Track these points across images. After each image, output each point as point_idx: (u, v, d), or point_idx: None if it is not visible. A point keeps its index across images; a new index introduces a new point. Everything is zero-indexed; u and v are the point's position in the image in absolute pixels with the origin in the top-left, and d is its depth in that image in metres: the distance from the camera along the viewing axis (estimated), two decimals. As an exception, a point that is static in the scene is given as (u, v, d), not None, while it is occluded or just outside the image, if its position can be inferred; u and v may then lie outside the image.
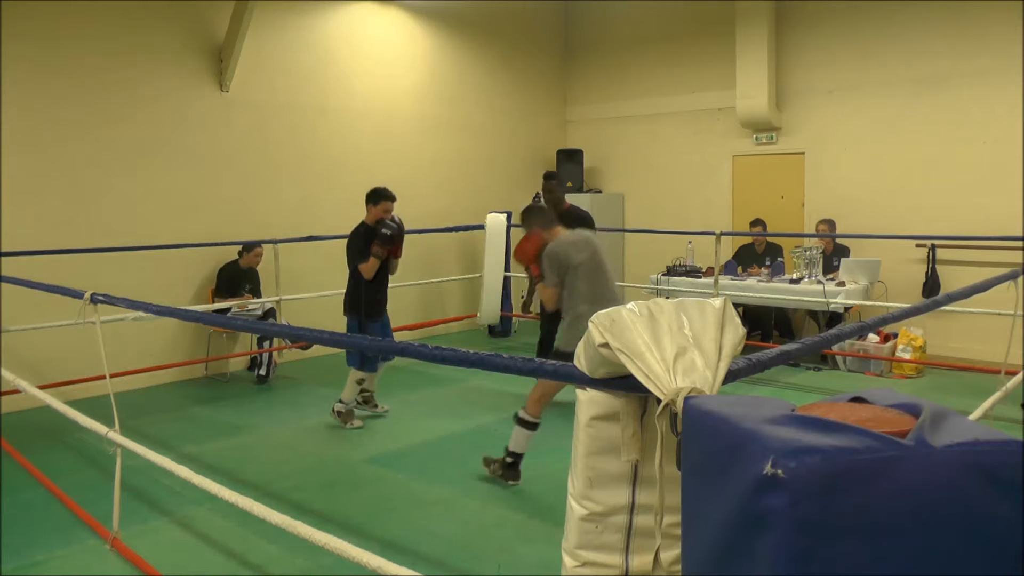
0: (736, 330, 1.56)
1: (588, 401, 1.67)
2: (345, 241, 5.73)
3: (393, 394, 6.62)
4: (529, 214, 4.74)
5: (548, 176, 6.37)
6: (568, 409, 1.72)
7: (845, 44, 8.49)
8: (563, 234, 4.62)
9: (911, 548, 1.04)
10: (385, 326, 5.77)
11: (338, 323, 6.84)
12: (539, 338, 6.29)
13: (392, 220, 5.50)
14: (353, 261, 5.53)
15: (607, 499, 1.67)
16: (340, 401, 5.73)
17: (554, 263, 4.44)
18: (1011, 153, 7.42)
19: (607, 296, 4.43)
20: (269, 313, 7.27)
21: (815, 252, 7.63)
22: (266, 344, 7.19)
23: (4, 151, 6.19)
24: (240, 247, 7.29)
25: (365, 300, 5.54)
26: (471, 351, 2.02)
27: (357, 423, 5.71)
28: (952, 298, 3.43)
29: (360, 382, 5.68)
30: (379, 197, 5.57)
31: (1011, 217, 7.23)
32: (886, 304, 7.01)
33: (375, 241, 5.42)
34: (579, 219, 6.15)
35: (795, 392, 6.59)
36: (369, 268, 5.42)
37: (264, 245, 7.35)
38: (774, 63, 8.84)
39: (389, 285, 5.79)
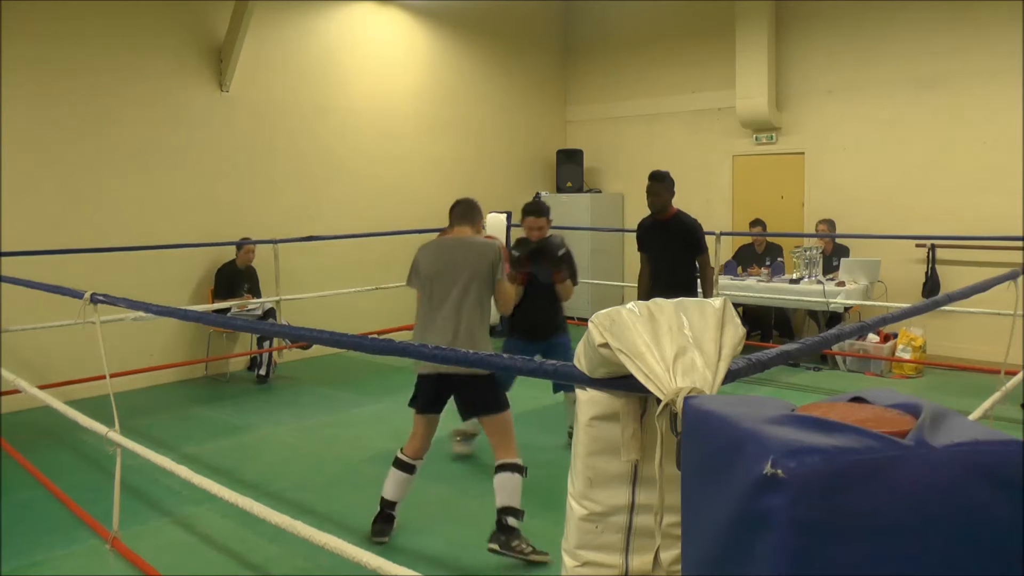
0: (736, 330, 1.56)
1: (588, 401, 1.67)
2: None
3: (393, 394, 6.61)
4: (452, 208, 4.08)
5: (654, 176, 5.56)
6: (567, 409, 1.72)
7: (845, 44, 8.49)
8: (449, 236, 3.99)
9: (911, 548, 1.04)
10: (549, 348, 4.88)
11: (337, 322, 6.84)
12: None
13: (542, 240, 4.71)
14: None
15: (607, 499, 1.67)
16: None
17: (412, 268, 3.88)
18: (1011, 153, 7.42)
19: (436, 324, 3.71)
20: (269, 313, 7.27)
21: (815, 252, 7.63)
22: (266, 344, 7.19)
23: (4, 151, 6.19)
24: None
25: (514, 319, 4.81)
26: (471, 351, 2.01)
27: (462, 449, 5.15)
28: (952, 298, 3.43)
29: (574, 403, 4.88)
30: (522, 213, 4.84)
31: (1011, 217, 7.23)
32: (886, 304, 7.01)
33: (510, 263, 4.57)
34: (680, 226, 5.44)
35: (795, 392, 6.59)
36: (505, 293, 4.23)
37: (263, 245, 7.35)
38: (774, 63, 8.84)
39: (536, 304, 4.86)
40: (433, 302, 3.76)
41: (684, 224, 5.48)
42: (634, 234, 5.99)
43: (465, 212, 4.02)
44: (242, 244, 7.26)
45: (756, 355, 1.76)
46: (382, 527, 3.84)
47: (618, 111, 10.43)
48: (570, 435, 4.70)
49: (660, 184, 5.49)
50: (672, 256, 5.46)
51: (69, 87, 6.55)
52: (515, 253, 4.68)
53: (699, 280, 5.49)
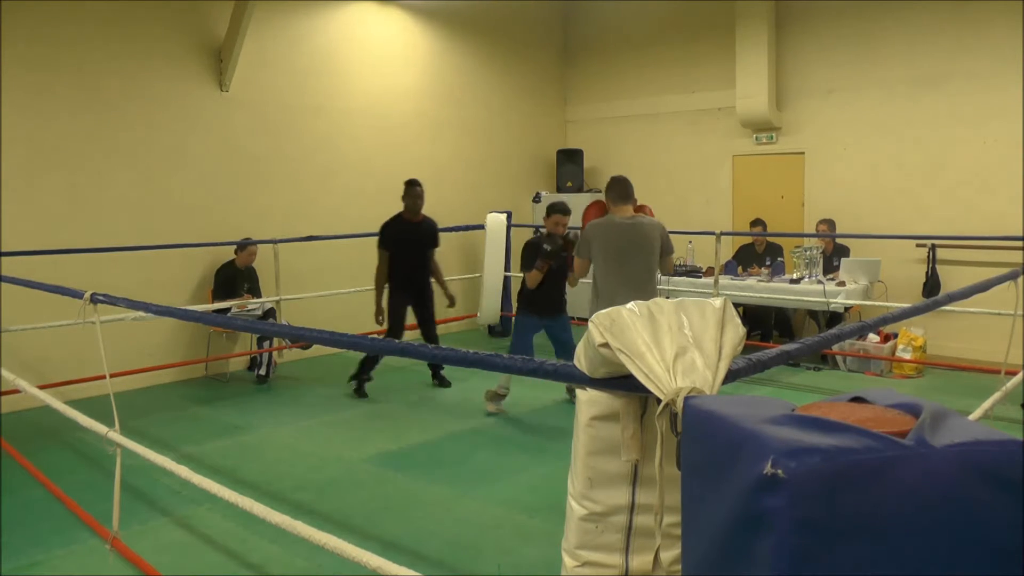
0: (736, 330, 1.56)
1: (588, 401, 1.67)
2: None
3: (393, 394, 6.62)
4: (610, 185, 4.88)
5: (415, 183, 6.54)
6: (568, 409, 1.72)
7: (845, 44, 8.48)
8: (621, 217, 4.75)
9: (911, 548, 1.04)
10: (558, 327, 5.92)
11: (337, 322, 6.83)
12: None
13: (561, 236, 5.74)
14: (522, 268, 5.87)
15: (607, 499, 1.67)
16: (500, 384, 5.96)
17: (584, 242, 4.76)
18: (1011, 153, 7.42)
19: (628, 285, 4.61)
20: (269, 313, 7.27)
21: (815, 252, 7.63)
22: (266, 344, 7.19)
23: (5, 151, 6.19)
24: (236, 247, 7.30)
25: (529, 298, 5.84)
26: (471, 351, 2.01)
27: (493, 408, 5.95)
28: (952, 298, 3.43)
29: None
30: (549, 211, 5.83)
31: (1011, 217, 7.23)
32: (886, 304, 7.01)
33: (540, 255, 5.65)
34: (429, 227, 6.52)
35: (795, 392, 6.59)
36: (532, 279, 5.69)
37: (263, 245, 7.35)
38: (774, 63, 8.84)
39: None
40: (624, 270, 4.64)
41: (432, 225, 6.60)
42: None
43: (622, 192, 4.81)
44: (243, 245, 7.26)
45: (756, 355, 1.76)
46: None
47: (618, 111, 10.43)
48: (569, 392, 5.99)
49: (420, 188, 6.47)
50: (422, 252, 6.49)
51: (69, 87, 6.55)
52: (547, 247, 5.63)
53: (432, 272, 6.66)
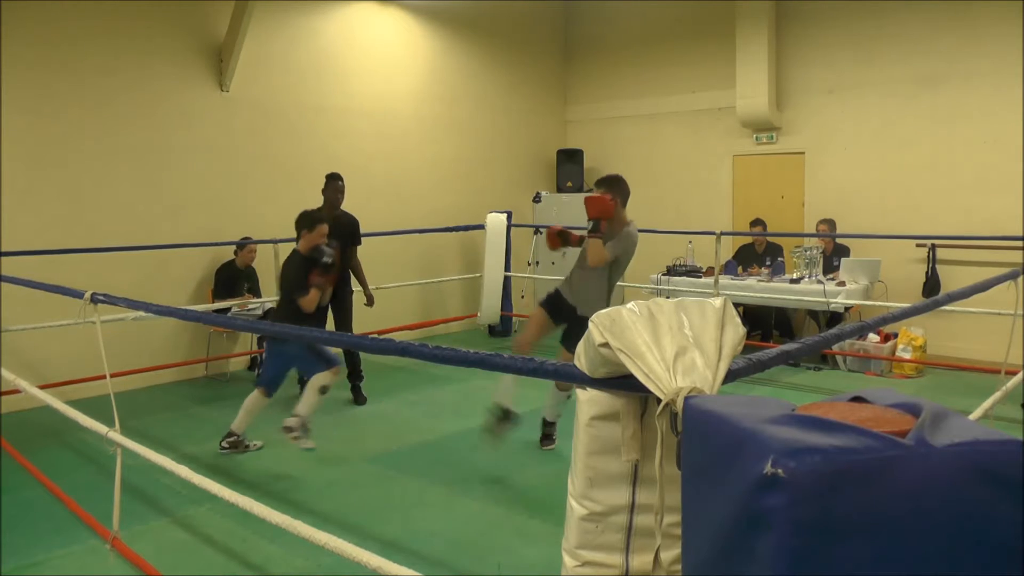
0: (736, 330, 1.56)
1: (588, 401, 1.67)
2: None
3: (393, 394, 6.62)
4: (615, 182, 4.85)
5: (339, 177, 6.24)
6: (568, 410, 1.72)
7: (845, 44, 8.49)
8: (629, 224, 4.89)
9: (911, 548, 1.04)
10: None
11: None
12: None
13: (328, 245, 5.11)
14: (291, 294, 5.05)
15: (607, 499, 1.67)
16: (295, 416, 4.93)
17: (630, 245, 4.86)
18: (1011, 153, 7.42)
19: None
20: (269, 313, 7.27)
21: (815, 252, 7.63)
22: (266, 344, 7.17)
23: (4, 151, 6.19)
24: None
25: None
26: (471, 351, 2.01)
27: (309, 444, 4.92)
28: (952, 298, 3.43)
29: (323, 391, 5.02)
30: (315, 221, 5.07)
31: (1011, 217, 7.23)
32: (886, 304, 7.01)
33: (315, 270, 4.97)
34: (348, 221, 6.14)
35: (795, 392, 6.59)
36: (311, 301, 4.96)
37: (263, 244, 7.35)
38: (774, 63, 8.84)
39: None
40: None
41: (351, 219, 6.15)
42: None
43: (627, 195, 4.96)
44: (243, 244, 7.27)
45: (756, 355, 1.76)
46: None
47: (618, 111, 10.43)
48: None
49: (342, 183, 6.11)
50: (340, 248, 5.88)
51: (69, 87, 6.55)
52: (327, 260, 5.01)
53: (352, 270, 6.22)
